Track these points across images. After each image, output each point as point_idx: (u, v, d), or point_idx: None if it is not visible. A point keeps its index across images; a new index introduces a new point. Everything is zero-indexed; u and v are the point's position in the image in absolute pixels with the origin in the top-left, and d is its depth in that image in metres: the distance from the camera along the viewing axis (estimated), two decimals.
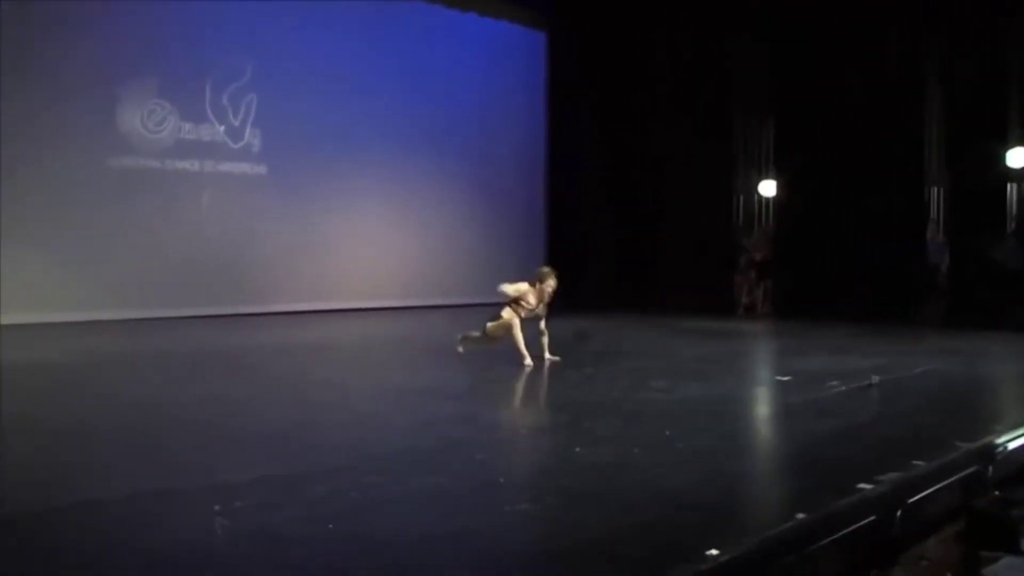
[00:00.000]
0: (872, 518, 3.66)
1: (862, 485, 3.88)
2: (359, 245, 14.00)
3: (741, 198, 14.49)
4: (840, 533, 3.47)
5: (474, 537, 3.35)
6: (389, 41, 14.07)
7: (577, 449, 4.76)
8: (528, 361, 7.26)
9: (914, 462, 4.30)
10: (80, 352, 8.53)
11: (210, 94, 12.36)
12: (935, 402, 6.07)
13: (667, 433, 5.09)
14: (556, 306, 13.94)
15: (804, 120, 13.50)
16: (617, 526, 3.43)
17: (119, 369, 7.61)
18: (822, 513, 3.54)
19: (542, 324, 7.31)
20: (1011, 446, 4.84)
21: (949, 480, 4.24)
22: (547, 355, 7.33)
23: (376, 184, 14.21)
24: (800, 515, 3.43)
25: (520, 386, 6.99)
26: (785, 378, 6.93)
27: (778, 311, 13.30)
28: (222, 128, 12.51)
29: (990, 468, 4.58)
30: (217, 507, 3.73)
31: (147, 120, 11.77)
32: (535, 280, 7.46)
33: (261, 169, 12.99)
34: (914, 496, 3.95)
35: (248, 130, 12.78)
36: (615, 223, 15.38)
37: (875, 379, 6.52)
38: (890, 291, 12.59)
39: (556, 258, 15.87)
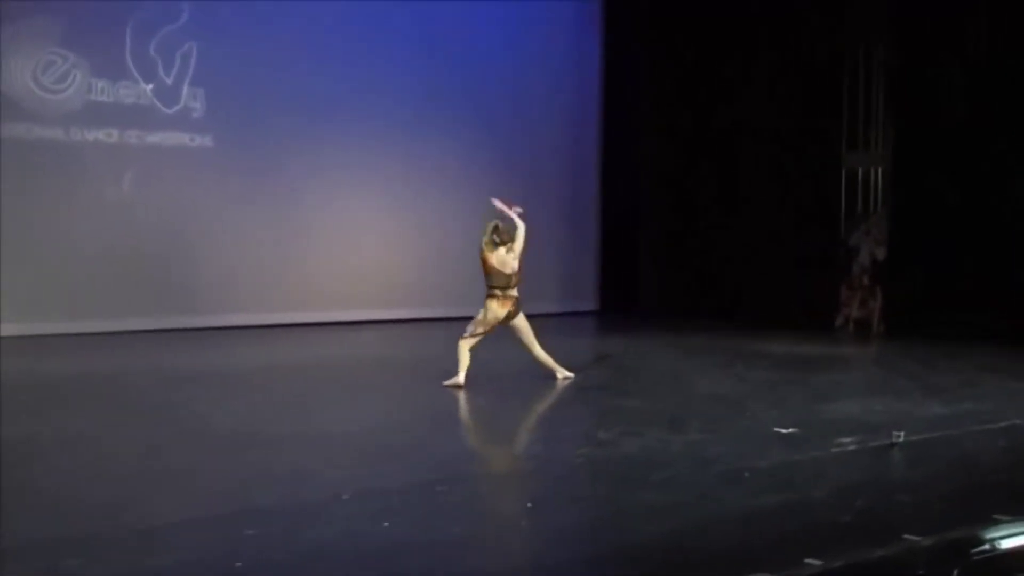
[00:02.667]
0: None
1: None
2: (341, 240, 14.12)
3: (857, 175, 14.01)
4: None
5: None
6: None
7: (386, 524, 4.73)
8: (461, 380, 8.37)
9: (807, 560, 4.07)
10: None
11: (131, 42, 12.60)
12: (961, 473, 5.84)
13: (529, 505, 5.03)
14: (608, 323, 14.38)
15: (933, 69, 12.98)
16: None
17: None
18: None
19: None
20: (1004, 545, 4.53)
21: None
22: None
23: (368, 163, 14.32)
24: None
25: (424, 432, 7.01)
26: (786, 431, 6.79)
27: (895, 328, 12.89)
28: (149, 87, 12.79)
29: (954, 574, 4.29)
30: None
31: (43, 75, 12.09)
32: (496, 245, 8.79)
33: (205, 141, 13.26)
34: None
35: (186, 89, 13.02)
36: (686, 218, 15.18)
37: (898, 436, 6.30)
38: None
39: (612, 261, 16.03)
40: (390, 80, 14.42)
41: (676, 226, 15.16)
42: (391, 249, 14.62)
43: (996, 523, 4.67)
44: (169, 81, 12.93)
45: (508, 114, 15.33)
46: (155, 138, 12.92)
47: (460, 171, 14.99)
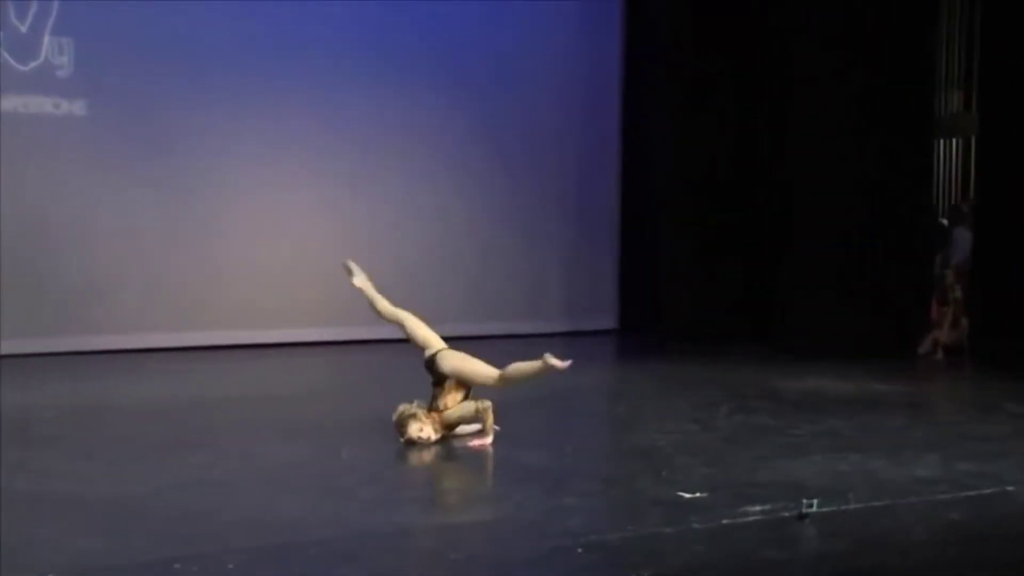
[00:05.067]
0: None
1: None
2: (261, 242, 14.72)
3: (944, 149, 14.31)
4: None
5: None
6: None
7: None
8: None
9: None
10: None
11: None
12: (849, 555, 6.23)
13: None
14: (614, 346, 14.97)
15: None
16: None
17: None
18: None
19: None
20: None
21: None
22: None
23: (312, 146, 14.99)
24: None
25: (238, 493, 7.56)
26: (690, 495, 7.26)
27: (990, 354, 13.34)
28: None
29: None
30: None
31: None
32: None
33: (75, 108, 13.85)
34: None
35: (47, 39, 13.60)
36: (723, 220, 15.68)
37: (809, 506, 6.72)
38: None
39: (633, 274, 16.69)
40: (360, 46, 15.11)
41: (711, 231, 15.57)
42: (329, 256, 15.03)
43: None
44: (23, 28, 13.44)
45: (511, 105, 16.09)
46: (6, 104, 13.45)
47: (444, 165, 15.75)
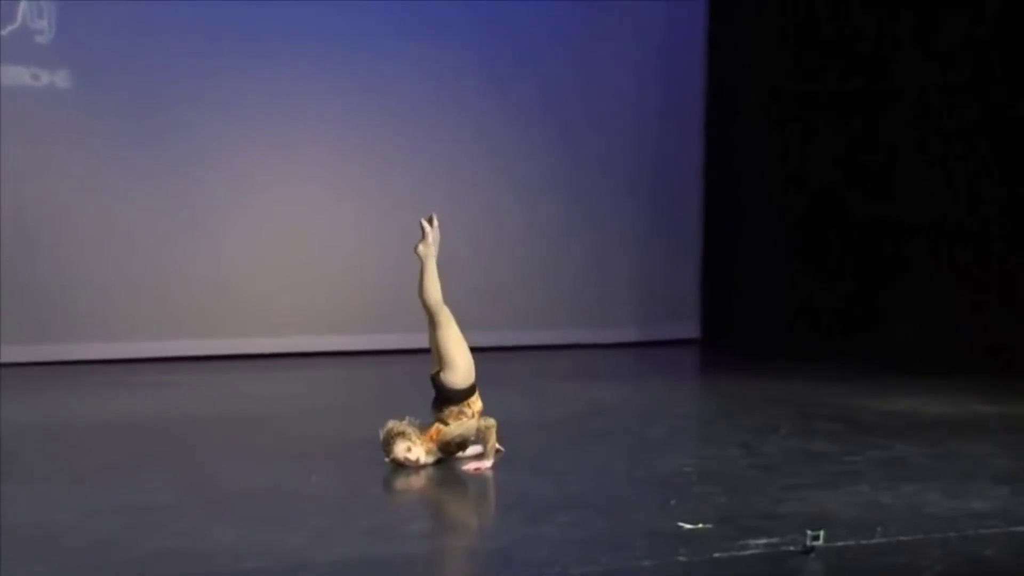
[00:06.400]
0: None
1: None
2: (274, 236, 15.12)
3: None
4: None
5: None
6: None
7: None
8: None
9: None
10: None
11: None
12: None
13: None
14: (689, 358, 15.21)
15: None
16: None
17: None
18: None
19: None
20: None
21: None
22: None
23: (337, 128, 15.48)
24: None
25: (182, 519, 7.84)
26: (691, 526, 7.40)
27: None
28: None
29: None
30: None
31: None
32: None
33: (57, 79, 14.29)
34: None
35: (24, 4, 14.05)
36: (820, 220, 16.03)
37: (815, 537, 6.84)
38: None
39: (717, 277, 16.99)
40: (398, 15, 15.65)
41: (805, 232, 15.74)
42: (352, 257, 15.52)
43: None
44: None
45: (584, 96, 16.63)
46: None
47: (508, 157, 16.29)
